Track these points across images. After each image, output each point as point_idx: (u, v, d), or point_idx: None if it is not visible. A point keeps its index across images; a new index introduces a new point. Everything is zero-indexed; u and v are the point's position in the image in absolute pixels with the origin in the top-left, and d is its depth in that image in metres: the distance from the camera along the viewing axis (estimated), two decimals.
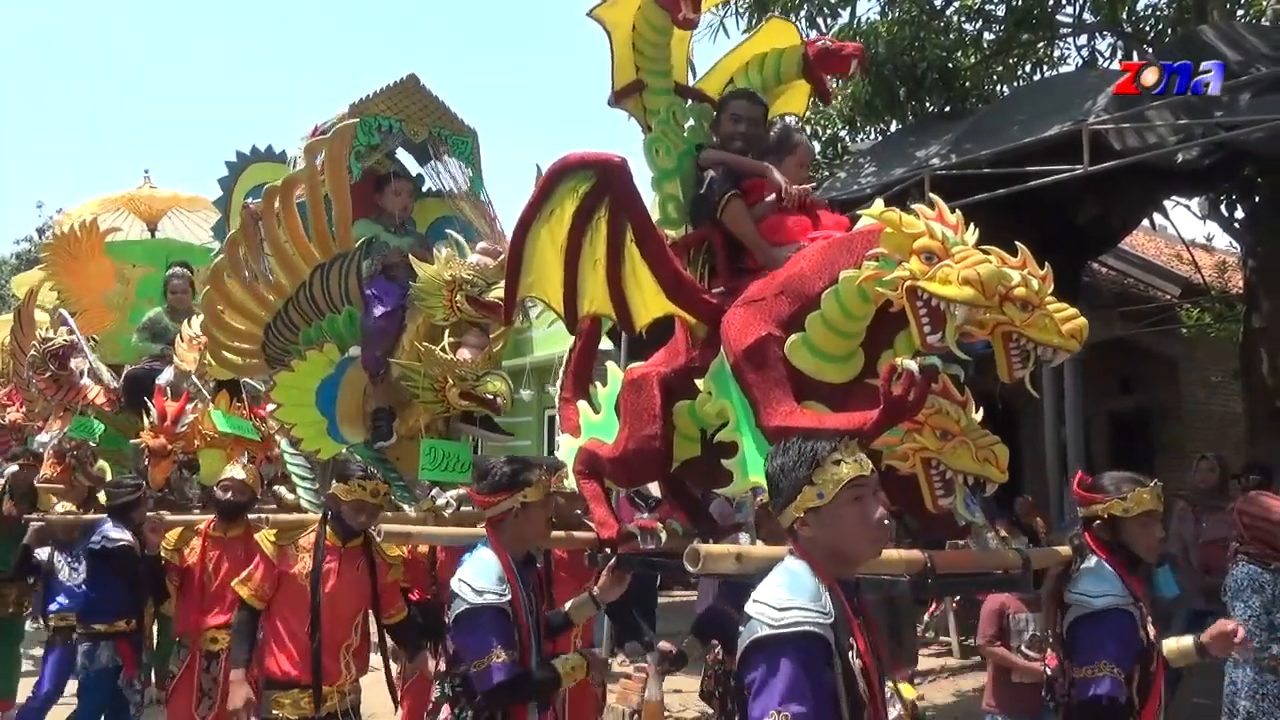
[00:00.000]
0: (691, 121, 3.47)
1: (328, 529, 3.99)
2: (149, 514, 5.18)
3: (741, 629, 1.98)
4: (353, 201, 4.80)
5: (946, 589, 3.08)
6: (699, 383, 3.01)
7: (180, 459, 5.95)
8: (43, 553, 6.37)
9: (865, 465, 2.04)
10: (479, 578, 3.02)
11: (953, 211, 2.53)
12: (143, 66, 61.40)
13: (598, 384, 3.80)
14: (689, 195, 3.34)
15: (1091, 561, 2.94)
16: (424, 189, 5.53)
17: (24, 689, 6.53)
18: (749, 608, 1.96)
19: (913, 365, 2.36)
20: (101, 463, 7.51)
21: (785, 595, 1.93)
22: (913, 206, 2.56)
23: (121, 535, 5.17)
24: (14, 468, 7.14)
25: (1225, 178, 8.07)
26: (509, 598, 3.00)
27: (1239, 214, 9.14)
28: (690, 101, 3.51)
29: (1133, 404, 11.63)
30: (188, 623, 5.05)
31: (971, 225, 2.52)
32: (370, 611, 4.11)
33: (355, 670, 4.02)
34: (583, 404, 3.75)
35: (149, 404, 6.03)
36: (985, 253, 2.44)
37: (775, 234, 3.11)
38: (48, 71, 55.08)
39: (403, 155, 5.57)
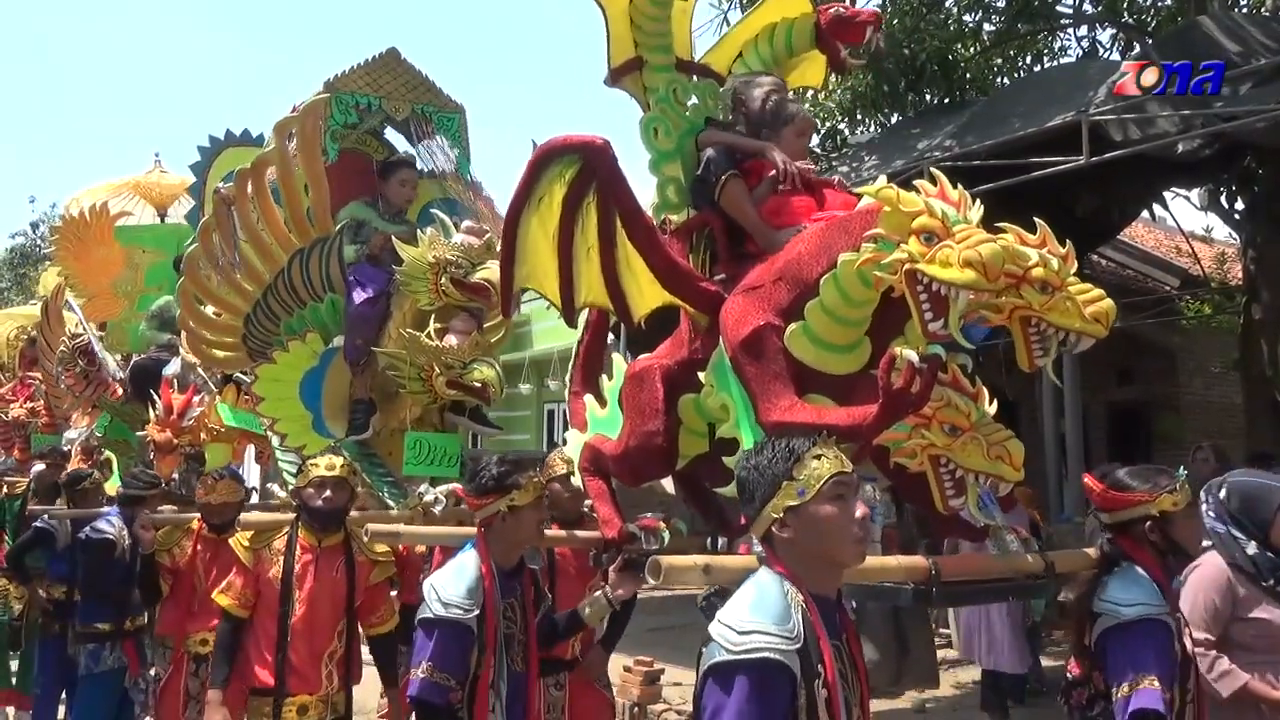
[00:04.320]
0: (694, 99, 3.25)
1: (300, 528, 3.79)
2: (144, 514, 4.82)
3: (704, 649, 1.85)
4: (339, 182, 4.58)
5: (956, 598, 2.83)
6: (702, 375, 2.86)
7: (188, 451, 5.76)
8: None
9: (845, 462, 1.93)
10: (449, 586, 2.93)
11: (955, 187, 2.37)
12: (137, 59, 61.19)
13: (605, 377, 3.62)
14: (690, 178, 3.15)
15: (1124, 567, 2.70)
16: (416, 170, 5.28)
17: None
18: (711, 628, 1.84)
19: (912, 355, 2.18)
20: (107, 453, 7.40)
21: (748, 616, 1.80)
22: (914, 183, 2.40)
23: (109, 529, 4.92)
24: (40, 467, 6.95)
25: (1224, 168, 8.07)
26: (475, 614, 2.90)
27: (1238, 205, 9.14)
28: (695, 78, 3.31)
29: (1132, 395, 11.65)
30: (171, 624, 4.75)
31: (977, 201, 2.36)
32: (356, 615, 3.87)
33: (339, 679, 3.74)
34: (589, 398, 3.60)
35: (155, 396, 5.85)
36: (1001, 231, 2.27)
37: (778, 216, 2.94)
38: (38, 65, 54.92)
39: (391, 135, 5.33)
